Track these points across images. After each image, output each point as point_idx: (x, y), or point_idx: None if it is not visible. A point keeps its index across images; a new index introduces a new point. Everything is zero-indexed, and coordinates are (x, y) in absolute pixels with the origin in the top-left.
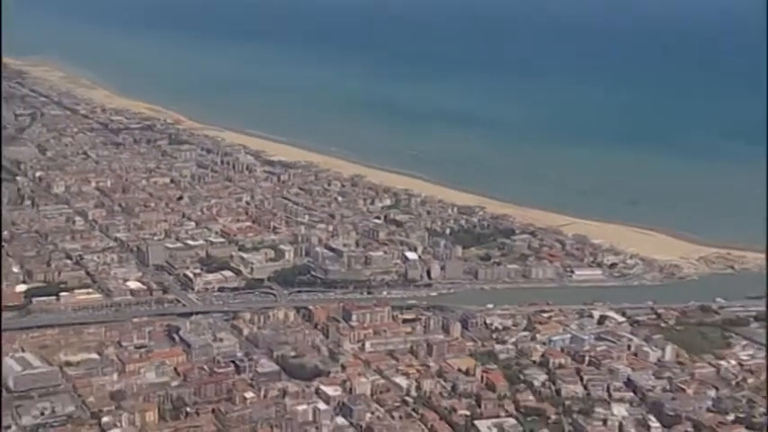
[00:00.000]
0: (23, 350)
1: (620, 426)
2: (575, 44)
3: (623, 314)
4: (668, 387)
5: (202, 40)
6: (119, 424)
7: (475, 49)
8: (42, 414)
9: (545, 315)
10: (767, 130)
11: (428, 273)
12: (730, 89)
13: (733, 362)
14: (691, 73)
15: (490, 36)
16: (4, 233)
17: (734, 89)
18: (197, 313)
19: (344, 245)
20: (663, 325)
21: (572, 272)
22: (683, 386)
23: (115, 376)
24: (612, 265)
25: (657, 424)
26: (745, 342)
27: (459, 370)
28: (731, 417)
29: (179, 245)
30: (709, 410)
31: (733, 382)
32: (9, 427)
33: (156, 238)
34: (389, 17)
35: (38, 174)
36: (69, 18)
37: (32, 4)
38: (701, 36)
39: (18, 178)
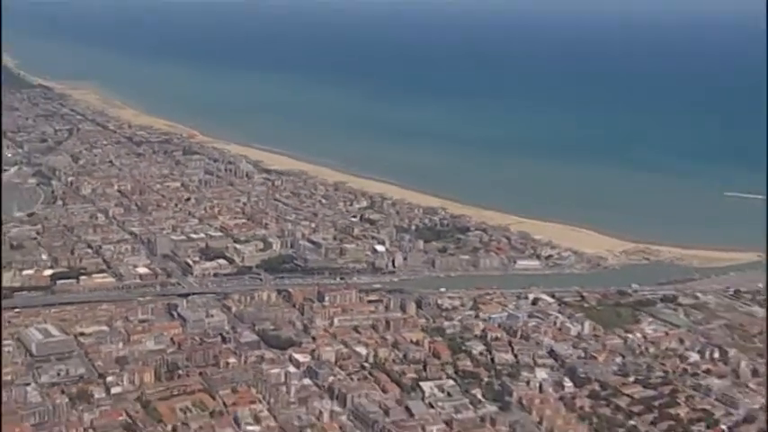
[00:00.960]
0: (45, 322)
1: (540, 386)
2: (533, 73)
3: (553, 296)
4: (583, 355)
5: (219, 68)
6: (121, 383)
7: (452, 78)
8: (58, 374)
9: (488, 297)
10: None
11: (393, 262)
12: (671, 112)
13: (639, 335)
14: (638, 97)
15: (464, 67)
16: (37, 227)
17: (674, 111)
18: (193, 294)
19: (323, 238)
20: (585, 305)
21: (514, 262)
22: (595, 354)
23: (120, 344)
24: (549, 257)
25: (570, 384)
26: (651, 319)
27: (411, 341)
28: (632, 378)
29: (183, 237)
30: (614, 374)
31: (637, 351)
32: (29, 383)
33: (164, 232)
34: (385, 51)
35: (70, 179)
36: (107, 50)
37: (76, 39)
38: (651, 64)
39: (53, 182)
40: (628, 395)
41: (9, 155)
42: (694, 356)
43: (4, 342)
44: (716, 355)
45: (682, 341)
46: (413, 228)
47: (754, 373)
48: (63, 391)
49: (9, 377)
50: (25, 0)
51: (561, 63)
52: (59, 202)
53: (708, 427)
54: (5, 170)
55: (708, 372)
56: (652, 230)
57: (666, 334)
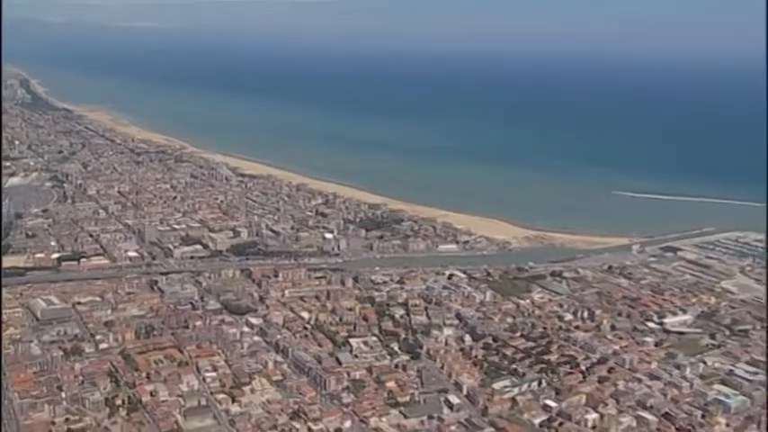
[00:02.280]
0: (50, 294)
1: (446, 341)
2: (472, 95)
3: (465, 273)
4: (482, 317)
5: (212, 93)
6: (107, 341)
7: (406, 100)
8: (57, 334)
9: (412, 274)
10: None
11: (338, 247)
12: (586, 127)
13: (528, 301)
14: (552, 116)
15: (417, 91)
16: (49, 220)
17: (588, 126)
18: (172, 272)
19: (283, 228)
20: (490, 279)
21: (437, 246)
22: (491, 316)
23: (109, 311)
24: (465, 242)
25: (470, 339)
26: (540, 289)
27: (346, 308)
28: (518, 334)
29: (168, 228)
30: (505, 330)
31: (525, 313)
32: (32, 341)
33: (152, 223)
34: (354, 78)
35: (79, 182)
36: (122, 79)
37: (92, 69)
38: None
39: (65, 185)
40: (513, 346)
41: (31, 163)
42: (569, 316)
43: (15, 309)
44: (585, 315)
45: (561, 305)
46: (357, 219)
47: (613, 328)
48: (60, 347)
49: (18, 336)
50: (58, 39)
51: (502, 91)
52: (69, 201)
53: (570, 368)
54: (27, 175)
55: (577, 327)
56: (549, 221)
57: (550, 300)
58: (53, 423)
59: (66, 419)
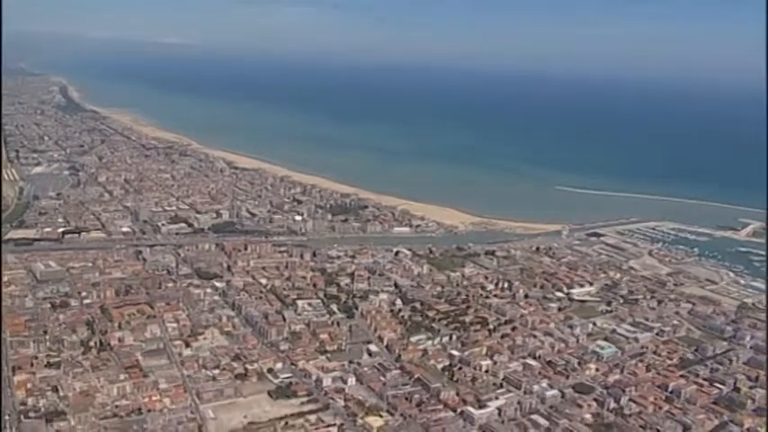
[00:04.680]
0: (50, 260)
1: (379, 303)
2: (451, 105)
3: (410, 250)
4: (415, 285)
5: (219, 99)
6: (91, 297)
7: (382, 109)
8: (50, 292)
9: (365, 250)
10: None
11: (305, 228)
12: (536, 134)
13: (458, 274)
14: (522, 124)
15: (392, 102)
16: (60, 201)
17: (538, 133)
18: (157, 245)
19: (260, 211)
20: (431, 256)
21: (392, 228)
22: (424, 285)
23: (97, 274)
24: (418, 226)
25: (400, 303)
26: (473, 265)
27: (300, 276)
28: (443, 300)
29: (160, 209)
30: (432, 296)
31: (454, 284)
32: (26, 295)
33: (148, 206)
34: (343, 90)
35: (92, 171)
36: (146, 86)
37: (124, 79)
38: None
39: (80, 173)
40: (436, 309)
41: (55, 155)
42: (490, 286)
43: (19, 271)
44: (505, 285)
45: (487, 278)
46: (328, 206)
47: (526, 296)
48: (50, 302)
49: (17, 293)
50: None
51: (477, 101)
52: (81, 186)
53: (480, 327)
54: (49, 165)
55: (495, 296)
56: (497, 211)
57: (478, 273)
58: (35, 357)
59: (48, 355)
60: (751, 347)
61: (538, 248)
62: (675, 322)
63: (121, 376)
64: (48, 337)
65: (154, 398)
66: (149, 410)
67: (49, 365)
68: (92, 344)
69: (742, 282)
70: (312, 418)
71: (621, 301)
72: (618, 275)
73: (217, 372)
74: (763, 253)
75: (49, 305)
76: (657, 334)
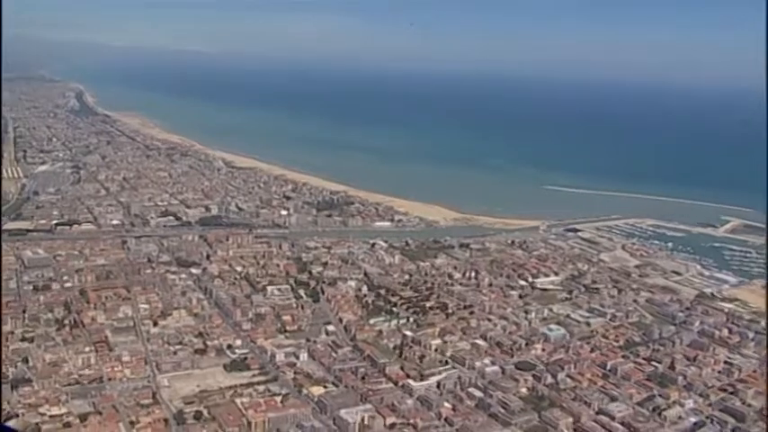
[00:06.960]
0: (39, 248)
1: (346, 289)
2: (450, 109)
3: (386, 242)
4: (383, 273)
5: (223, 104)
6: (73, 281)
7: (379, 111)
8: (35, 276)
9: (343, 243)
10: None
11: (289, 221)
12: (522, 133)
13: (429, 263)
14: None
15: (389, 104)
16: (58, 196)
17: (523, 133)
18: (144, 236)
19: (248, 206)
20: (406, 248)
21: (373, 223)
22: (392, 273)
23: (81, 261)
24: (399, 221)
25: (366, 289)
26: (445, 256)
27: (276, 265)
28: (408, 287)
29: (152, 204)
30: (398, 284)
31: (423, 273)
32: (11, 279)
33: (141, 201)
34: (352, 95)
35: (93, 169)
36: (161, 92)
37: (140, 85)
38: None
39: (81, 171)
40: (400, 295)
41: (60, 155)
42: (458, 275)
43: (9, 257)
44: (472, 275)
45: (456, 267)
46: (315, 202)
47: (490, 284)
48: (33, 285)
49: (4, 277)
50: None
51: (478, 105)
52: (80, 183)
53: (440, 311)
54: (53, 164)
55: (460, 284)
56: (483, 208)
57: (448, 264)
58: (12, 333)
59: (24, 331)
60: (698, 332)
61: (513, 242)
62: (630, 309)
63: (87, 349)
64: (26, 315)
65: (116, 368)
66: (110, 379)
67: (23, 339)
68: (66, 322)
69: (706, 273)
70: (261, 388)
71: (583, 290)
72: (585, 267)
73: (179, 347)
74: (737, 248)
75: (31, 287)
76: (610, 319)
